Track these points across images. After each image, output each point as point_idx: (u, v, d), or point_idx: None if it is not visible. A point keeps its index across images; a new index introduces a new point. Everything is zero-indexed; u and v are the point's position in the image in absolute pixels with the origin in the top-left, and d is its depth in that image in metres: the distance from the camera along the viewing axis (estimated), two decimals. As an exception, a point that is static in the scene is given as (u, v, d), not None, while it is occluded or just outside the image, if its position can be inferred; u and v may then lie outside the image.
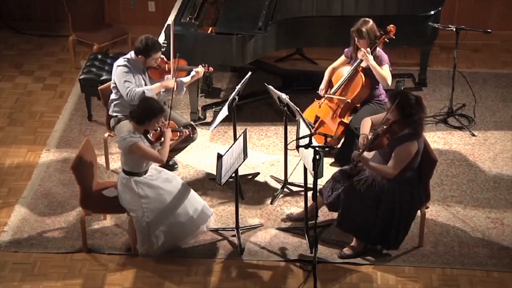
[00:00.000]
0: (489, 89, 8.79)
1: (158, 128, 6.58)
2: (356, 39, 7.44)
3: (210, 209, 6.85)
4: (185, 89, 7.50)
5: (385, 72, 7.42)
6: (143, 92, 7.08)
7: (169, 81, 7.23)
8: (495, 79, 8.96)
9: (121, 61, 7.21)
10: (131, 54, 7.22)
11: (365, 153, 6.43)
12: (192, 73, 7.38)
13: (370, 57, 7.35)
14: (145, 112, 6.48)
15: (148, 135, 6.53)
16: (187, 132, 6.84)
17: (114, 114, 7.34)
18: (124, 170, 6.60)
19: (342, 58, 7.72)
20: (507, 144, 7.97)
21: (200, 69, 7.38)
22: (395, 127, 6.40)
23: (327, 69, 7.75)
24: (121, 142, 6.51)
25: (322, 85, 7.71)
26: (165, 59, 7.31)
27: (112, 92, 7.33)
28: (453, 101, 8.31)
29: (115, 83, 7.24)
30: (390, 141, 6.41)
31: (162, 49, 7.25)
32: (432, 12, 8.26)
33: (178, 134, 6.82)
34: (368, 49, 7.37)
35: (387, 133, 6.40)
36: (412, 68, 9.07)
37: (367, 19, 7.45)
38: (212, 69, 7.48)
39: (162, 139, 6.59)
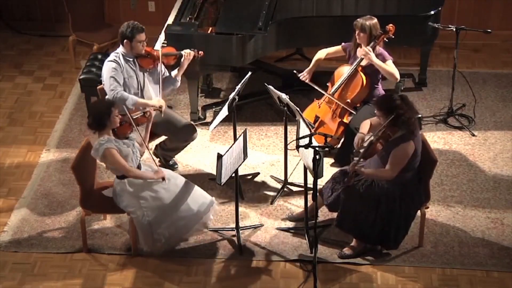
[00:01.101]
0: (489, 89, 8.79)
1: (124, 122, 6.55)
2: (357, 31, 7.44)
3: (213, 200, 6.82)
4: (179, 79, 7.39)
5: (390, 67, 7.41)
6: (128, 99, 7.00)
7: (156, 101, 7.15)
8: (495, 79, 8.96)
9: (111, 56, 7.18)
10: (120, 48, 7.19)
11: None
12: (182, 59, 7.33)
13: (372, 55, 7.34)
14: (99, 115, 6.44)
15: (116, 133, 6.52)
16: (151, 110, 6.77)
17: None
18: (117, 176, 6.61)
19: (338, 47, 7.70)
20: (507, 144, 7.97)
21: (189, 51, 7.32)
22: (387, 131, 6.40)
23: (318, 52, 7.72)
24: (95, 153, 6.48)
25: (305, 71, 7.68)
26: (153, 48, 7.30)
27: None
28: (453, 101, 8.30)
29: None
30: (386, 145, 6.41)
31: (144, 30, 7.19)
32: (432, 12, 8.26)
33: (145, 117, 6.77)
34: (370, 47, 7.37)
35: (380, 139, 6.42)
36: (412, 68, 9.07)
37: (372, 16, 7.46)
38: (202, 52, 7.40)
39: (133, 129, 6.59)
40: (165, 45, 7.62)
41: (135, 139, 6.65)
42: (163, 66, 7.26)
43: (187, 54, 7.30)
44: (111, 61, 7.13)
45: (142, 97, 7.17)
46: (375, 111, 6.50)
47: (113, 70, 7.09)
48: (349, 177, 6.46)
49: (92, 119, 6.49)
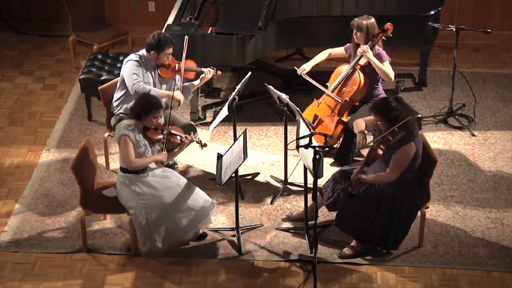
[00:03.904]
0: (489, 89, 8.79)
1: (157, 128, 6.59)
2: (354, 31, 7.45)
3: (214, 202, 6.81)
4: (192, 94, 7.53)
5: (386, 67, 7.42)
6: (149, 90, 7.08)
7: (177, 94, 7.23)
8: (495, 79, 8.96)
9: (132, 56, 7.24)
10: (143, 52, 7.24)
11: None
12: (201, 75, 7.41)
13: (370, 52, 7.35)
14: (142, 106, 6.52)
15: (146, 133, 6.55)
16: (189, 138, 6.78)
17: (118, 112, 7.33)
18: (122, 168, 6.61)
19: (341, 49, 7.72)
20: (507, 144, 7.97)
21: (209, 70, 7.39)
22: (387, 136, 6.40)
23: (322, 52, 7.73)
24: (117, 134, 6.59)
25: (304, 65, 7.67)
26: (175, 59, 7.34)
27: (118, 89, 7.31)
28: (453, 101, 8.31)
29: (122, 78, 7.23)
30: (387, 149, 6.41)
31: (173, 44, 7.26)
32: (432, 12, 8.26)
33: (179, 139, 6.77)
34: (367, 46, 7.38)
35: (381, 144, 6.42)
36: (412, 68, 9.07)
37: (370, 16, 7.47)
38: (220, 72, 7.48)
39: (158, 137, 6.61)
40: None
41: (156, 150, 6.67)
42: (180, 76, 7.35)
43: (207, 72, 7.36)
44: (134, 60, 7.19)
45: None
46: (373, 117, 6.50)
47: (135, 68, 7.15)
48: (353, 186, 6.44)
49: (135, 104, 6.60)
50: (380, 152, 6.47)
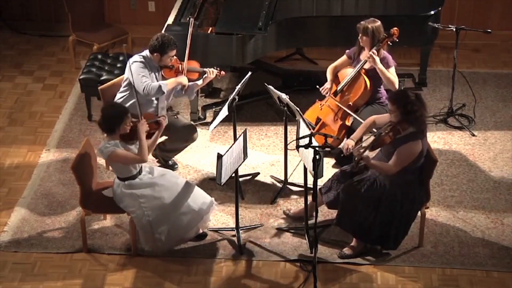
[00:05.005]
0: (489, 89, 8.80)
1: (134, 128, 6.56)
2: (360, 35, 7.43)
3: (213, 200, 6.81)
4: (195, 94, 7.54)
5: (392, 75, 7.41)
6: (159, 86, 7.08)
7: (183, 78, 7.26)
8: (495, 79, 8.96)
9: (136, 57, 7.23)
10: (146, 53, 7.24)
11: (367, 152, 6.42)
12: (204, 75, 7.41)
13: (377, 59, 7.32)
14: (112, 120, 6.45)
15: (124, 137, 6.52)
16: (164, 119, 6.82)
17: None
18: (119, 177, 6.61)
19: (344, 57, 7.70)
20: (507, 144, 7.98)
21: (212, 70, 7.39)
22: (398, 126, 6.39)
23: (329, 68, 7.72)
24: (101, 154, 6.52)
25: (328, 85, 7.62)
26: (178, 60, 7.34)
27: (121, 89, 7.29)
28: (453, 101, 8.31)
29: (126, 79, 7.23)
30: (394, 140, 6.39)
31: (176, 46, 7.25)
32: (432, 12, 8.26)
33: (156, 124, 6.77)
34: (375, 51, 7.35)
35: (390, 132, 6.38)
36: (412, 68, 9.07)
37: (376, 19, 7.45)
38: (224, 73, 7.48)
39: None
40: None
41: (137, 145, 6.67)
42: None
43: (211, 72, 7.37)
44: (139, 62, 7.18)
45: (157, 105, 7.24)
46: (388, 106, 6.47)
47: (142, 70, 7.15)
48: (355, 164, 6.42)
49: (103, 121, 6.49)
50: (388, 140, 6.40)
